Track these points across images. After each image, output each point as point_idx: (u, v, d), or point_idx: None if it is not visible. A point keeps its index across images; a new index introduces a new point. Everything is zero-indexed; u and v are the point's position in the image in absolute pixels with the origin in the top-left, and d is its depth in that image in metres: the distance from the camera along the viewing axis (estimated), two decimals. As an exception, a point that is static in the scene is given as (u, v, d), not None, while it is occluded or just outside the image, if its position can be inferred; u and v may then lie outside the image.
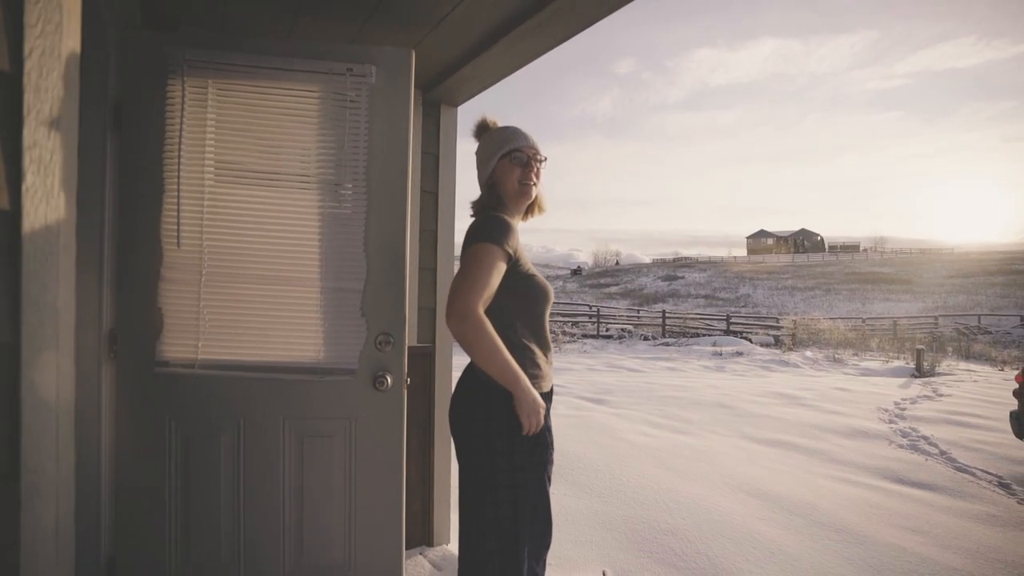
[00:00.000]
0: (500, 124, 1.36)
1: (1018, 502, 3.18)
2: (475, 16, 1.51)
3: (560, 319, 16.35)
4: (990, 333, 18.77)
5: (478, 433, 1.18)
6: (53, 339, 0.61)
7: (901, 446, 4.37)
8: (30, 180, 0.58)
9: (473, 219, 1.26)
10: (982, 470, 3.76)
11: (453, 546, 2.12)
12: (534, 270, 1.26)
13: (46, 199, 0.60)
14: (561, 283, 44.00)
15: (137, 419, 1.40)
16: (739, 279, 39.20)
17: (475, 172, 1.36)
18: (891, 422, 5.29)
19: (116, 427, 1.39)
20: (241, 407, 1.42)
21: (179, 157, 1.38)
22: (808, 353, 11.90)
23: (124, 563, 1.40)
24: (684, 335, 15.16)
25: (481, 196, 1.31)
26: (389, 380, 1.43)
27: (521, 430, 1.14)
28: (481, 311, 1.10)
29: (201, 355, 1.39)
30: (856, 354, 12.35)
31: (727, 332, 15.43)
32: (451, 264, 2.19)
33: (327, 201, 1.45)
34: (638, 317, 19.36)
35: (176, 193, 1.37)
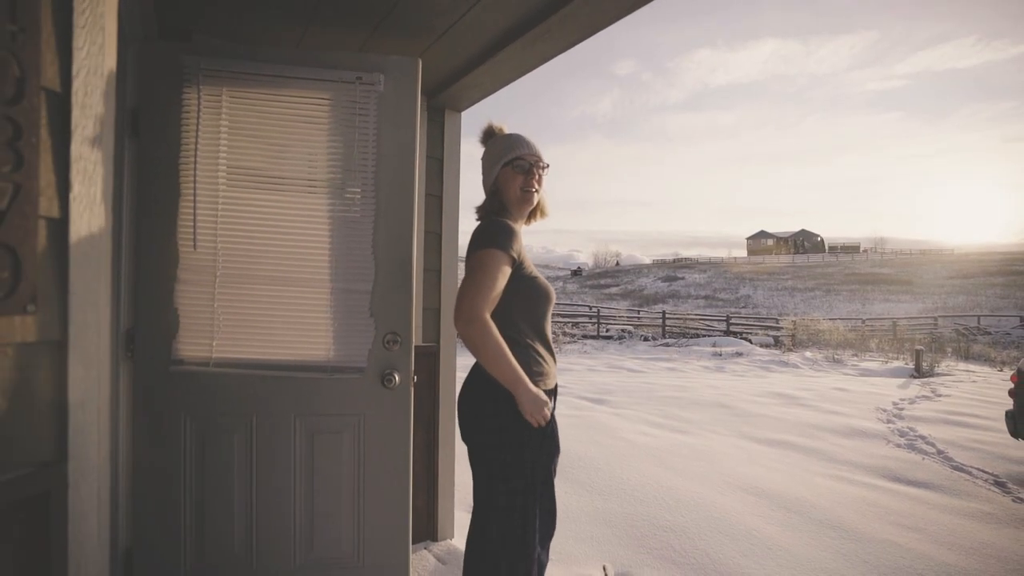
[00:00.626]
0: (506, 130, 1.41)
1: (1013, 500, 3.22)
2: (479, 26, 1.56)
3: (560, 320, 16.39)
4: (990, 334, 18.81)
5: (489, 429, 1.22)
6: (95, 336, 0.66)
7: (899, 445, 4.41)
8: (76, 190, 0.63)
9: (478, 223, 1.31)
10: (978, 469, 3.80)
11: (457, 541, 2.16)
12: (536, 272, 1.31)
13: (90, 207, 0.65)
14: (561, 284, 44.03)
15: (154, 416, 1.44)
16: (739, 280, 39.25)
17: (478, 175, 1.41)
18: (889, 422, 5.33)
19: (133, 424, 1.44)
20: (254, 404, 1.47)
21: (195, 162, 1.43)
22: (807, 354, 11.94)
23: (141, 555, 1.45)
24: (684, 336, 15.20)
25: (485, 201, 1.36)
26: (397, 378, 1.48)
27: (529, 425, 1.19)
28: (487, 315, 1.14)
29: (216, 354, 1.44)
30: (855, 355, 12.38)
31: (727, 333, 15.47)
32: (455, 266, 2.24)
33: (337, 205, 1.50)
34: (638, 318, 19.40)
35: (192, 197, 1.42)
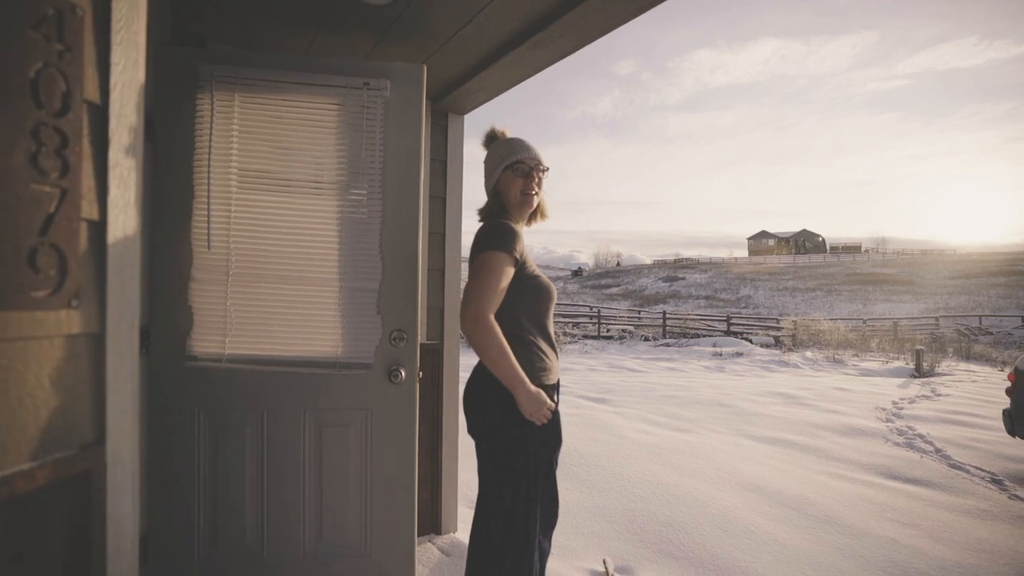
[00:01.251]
0: (508, 134, 1.46)
1: (1009, 497, 3.26)
2: (481, 34, 1.61)
3: (561, 320, 16.43)
4: (991, 334, 18.81)
5: (495, 422, 1.27)
6: (128, 330, 0.72)
7: (897, 444, 4.44)
8: (114, 194, 0.68)
9: (481, 224, 1.36)
10: (976, 467, 3.83)
11: (460, 534, 2.21)
12: (538, 271, 1.36)
13: (124, 210, 0.70)
14: (562, 284, 44.05)
15: (168, 410, 1.50)
16: (740, 280, 39.24)
17: (481, 177, 1.46)
18: (888, 421, 5.36)
19: (148, 417, 1.49)
20: (265, 399, 1.52)
21: (208, 165, 1.48)
22: (808, 354, 11.97)
23: (156, 542, 1.50)
24: (684, 336, 15.23)
25: (487, 203, 1.41)
26: (403, 373, 1.53)
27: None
28: (492, 317, 1.20)
29: (228, 350, 1.49)
30: (856, 355, 12.40)
31: (727, 333, 15.51)
32: (459, 266, 2.29)
33: (345, 206, 1.55)
34: (639, 318, 19.43)
35: (206, 199, 1.48)
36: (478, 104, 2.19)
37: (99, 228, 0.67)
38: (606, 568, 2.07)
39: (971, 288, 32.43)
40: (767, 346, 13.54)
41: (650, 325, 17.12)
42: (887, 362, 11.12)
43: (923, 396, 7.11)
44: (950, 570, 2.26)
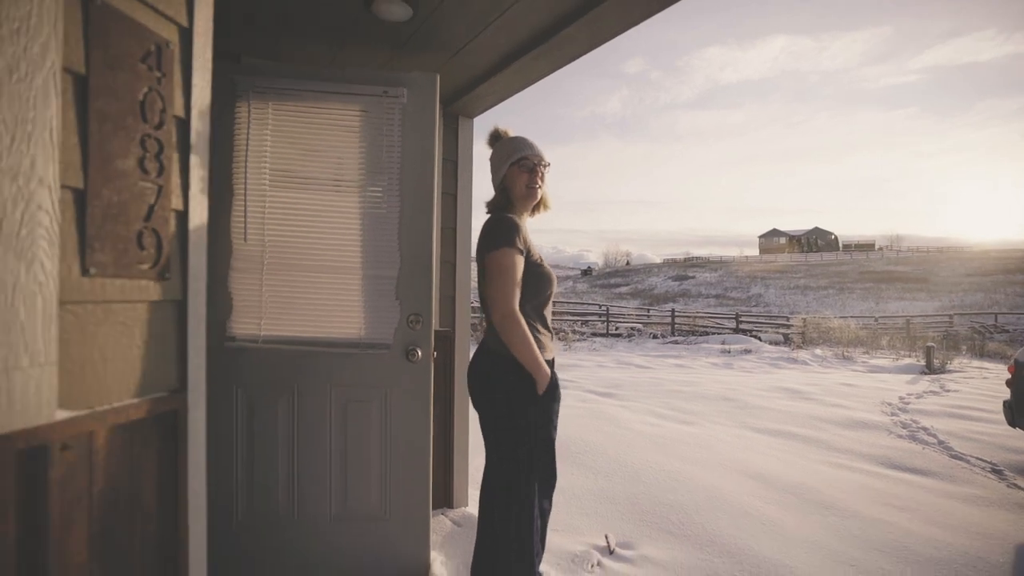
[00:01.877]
0: (511, 133, 1.60)
1: (1008, 486, 3.31)
2: (490, 45, 1.76)
3: (570, 318, 16.53)
4: (1007, 332, 18.50)
5: (500, 400, 1.43)
6: (202, 299, 0.88)
7: (900, 436, 4.48)
8: (192, 190, 0.84)
9: (488, 216, 1.51)
10: (977, 457, 3.88)
11: (471, 508, 2.36)
12: (541, 258, 1.50)
13: (199, 203, 0.87)
14: (571, 283, 44.05)
15: (209, 385, 1.66)
16: (751, 279, 38.92)
17: (489, 176, 1.61)
18: (893, 415, 5.39)
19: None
20: (295, 376, 1.69)
21: (245, 166, 1.65)
22: (817, 351, 11.94)
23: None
24: (693, 333, 15.25)
25: (494, 197, 1.56)
26: (419, 353, 1.69)
27: (532, 395, 1.39)
28: (518, 309, 1.37)
29: (263, 332, 1.66)
30: (866, 352, 12.33)
31: (736, 330, 15.49)
32: (468, 258, 2.44)
33: (366, 202, 1.71)
34: (648, 316, 19.45)
35: (244, 197, 1.65)
36: (487, 107, 2.34)
37: (183, 217, 0.83)
38: (608, 543, 2.20)
39: (987, 285, 31.85)
40: (776, 343, 13.52)
41: (659, 323, 17.15)
42: (897, 359, 11.06)
43: (931, 392, 7.10)
44: (942, 549, 2.33)
